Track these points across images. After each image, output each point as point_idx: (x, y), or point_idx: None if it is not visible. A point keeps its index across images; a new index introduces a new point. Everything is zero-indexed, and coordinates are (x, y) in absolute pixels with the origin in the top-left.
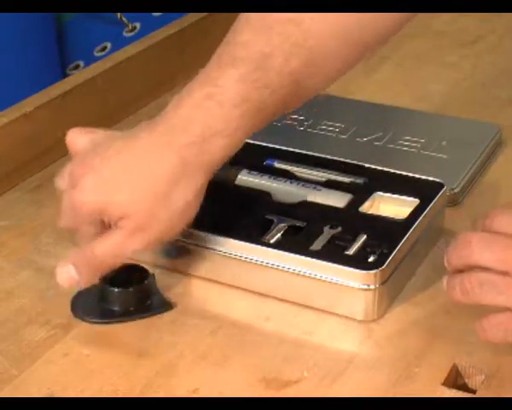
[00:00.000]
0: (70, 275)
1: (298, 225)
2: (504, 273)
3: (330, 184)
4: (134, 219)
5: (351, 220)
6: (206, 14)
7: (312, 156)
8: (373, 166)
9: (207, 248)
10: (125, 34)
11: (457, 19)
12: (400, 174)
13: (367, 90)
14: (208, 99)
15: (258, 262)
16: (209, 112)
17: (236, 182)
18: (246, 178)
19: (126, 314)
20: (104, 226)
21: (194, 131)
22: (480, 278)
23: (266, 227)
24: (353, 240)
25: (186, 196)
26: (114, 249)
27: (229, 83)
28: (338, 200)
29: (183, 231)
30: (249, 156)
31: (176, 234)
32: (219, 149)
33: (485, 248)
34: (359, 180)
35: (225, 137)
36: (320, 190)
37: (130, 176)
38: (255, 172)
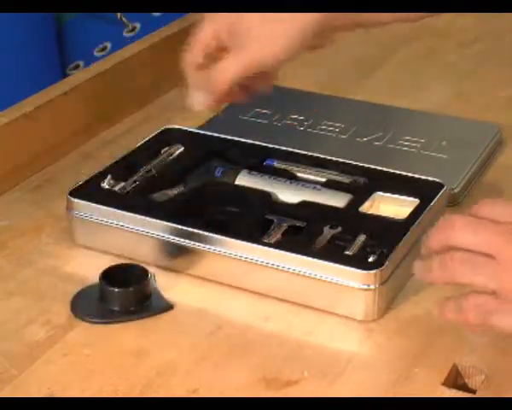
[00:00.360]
0: (199, 99)
1: (298, 225)
2: (485, 256)
3: (330, 184)
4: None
5: (351, 220)
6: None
7: (312, 156)
8: (373, 167)
9: (207, 248)
10: (125, 34)
11: (457, 19)
12: (400, 174)
13: (367, 90)
14: None
15: (259, 262)
16: None
17: (236, 182)
18: (246, 178)
19: (126, 314)
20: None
21: None
22: (461, 257)
23: (266, 227)
24: (353, 240)
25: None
26: (228, 66)
27: None
28: (338, 200)
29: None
30: (249, 156)
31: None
32: None
33: (468, 230)
34: (359, 180)
35: None
36: (320, 190)
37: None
38: (255, 173)
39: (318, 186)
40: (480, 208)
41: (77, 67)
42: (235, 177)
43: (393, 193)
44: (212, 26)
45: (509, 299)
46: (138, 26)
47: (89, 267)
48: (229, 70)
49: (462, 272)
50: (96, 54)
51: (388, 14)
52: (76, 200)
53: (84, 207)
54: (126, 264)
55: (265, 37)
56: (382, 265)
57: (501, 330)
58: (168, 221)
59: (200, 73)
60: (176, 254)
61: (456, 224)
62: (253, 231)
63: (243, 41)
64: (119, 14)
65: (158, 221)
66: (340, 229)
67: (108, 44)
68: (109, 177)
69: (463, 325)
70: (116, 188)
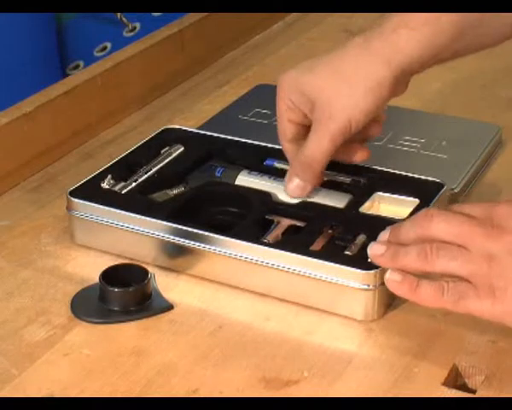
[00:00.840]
0: (297, 185)
1: (298, 225)
2: (460, 246)
3: (330, 185)
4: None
5: (351, 220)
6: (206, 14)
7: None
8: (373, 167)
9: (207, 248)
10: (125, 34)
11: None
12: (400, 174)
13: None
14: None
15: (258, 262)
16: (398, 17)
17: (236, 182)
18: (246, 178)
19: (126, 314)
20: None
21: (385, 25)
22: (438, 246)
23: (266, 227)
24: (353, 240)
25: (366, 82)
26: (318, 145)
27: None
28: (338, 200)
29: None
30: (249, 156)
31: (359, 121)
32: (405, 42)
33: (444, 221)
34: (359, 180)
35: (411, 29)
36: (320, 190)
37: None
38: (255, 173)
39: (318, 186)
40: (461, 206)
41: (77, 67)
42: (235, 177)
43: (393, 193)
44: (287, 97)
45: (480, 286)
46: (138, 26)
47: (89, 267)
48: (318, 151)
49: (437, 259)
50: (95, 54)
51: (465, 44)
52: (76, 200)
53: (83, 207)
54: (126, 264)
55: (346, 107)
56: None
57: (471, 314)
58: (168, 221)
59: (294, 149)
60: (176, 254)
61: (433, 215)
62: (253, 231)
63: (324, 113)
64: (119, 14)
65: (158, 221)
66: (340, 229)
67: (108, 44)
68: (109, 177)
69: (415, 303)
70: (116, 188)
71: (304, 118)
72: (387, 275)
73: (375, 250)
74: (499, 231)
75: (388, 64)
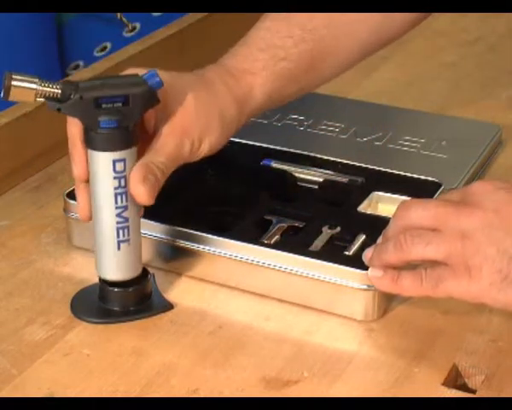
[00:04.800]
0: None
1: (297, 225)
2: (435, 229)
3: (328, 184)
4: None
5: (349, 220)
6: (205, 14)
7: (309, 156)
8: (370, 166)
9: (207, 249)
10: (125, 34)
11: (457, 19)
12: (398, 174)
13: (367, 90)
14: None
15: (258, 263)
16: (237, 54)
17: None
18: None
19: (126, 314)
20: None
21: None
22: (412, 233)
23: (265, 228)
24: (352, 240)
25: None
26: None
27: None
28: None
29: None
30: (247, 156)
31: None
32: (249, 84)
33: (421, 207)
34: (357, 180)
35: (252, 74)
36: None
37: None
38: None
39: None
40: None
41: (77, 67)
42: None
43: (391, 193)
44: None
45: (456, 266)
46: (138, 26)
47: (89, 267)
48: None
49: (413, 246)
50: (95, 54)
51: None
52: (73, 201)
53: None
54: None
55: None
56: None
57: (452, 296)
58: (167, 223)
59: None
60: (174, 256)
61: (410, 204)
62: (252, 232)
63: None
64: (119, 14)
65: (156, 223)
66: (338, 229)
67: (108, 44)
68: None
69: (399, 294)
70: None
71: None
72: (369, 273)
73: (365, 253)
74: (471, 209)
75: (237, 104)
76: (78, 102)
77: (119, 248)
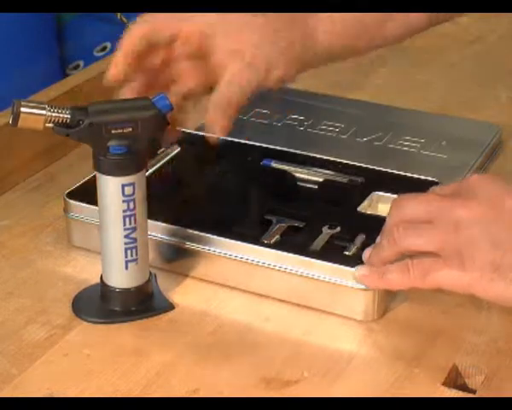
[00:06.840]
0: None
1: (297, 225)
2: (427, 222)
3: (328, 184)
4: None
5: (349, 220)
6: None
7: (309, 156)
8: (370, 166)
9: (207, 249)
10: None
11: (457, 19)
12: (398, 174)
13: (367, 90)
14: None
15: (259, 263)
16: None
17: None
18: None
19: (127, 314)
20: None
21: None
22: (405, 226)
23: (265, 228)
24: (352, 240)
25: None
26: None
27: None
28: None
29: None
30: (247, 156)
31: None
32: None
33: (414, 201)
34: (357, 180)
35: (315, 16)
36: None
37: None
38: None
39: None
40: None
41: (77, 67)
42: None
43: (391, 193)
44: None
45: (448, 256)
46: None
47: (89, 267)
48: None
49: (405, 237)
50: (95, 54)
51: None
52: (73, 201)
53: (81, 209)
54: None
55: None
56: None
57: (441, 287)
58: (167, 223)
59: None
60: (175, 255)
61: (404, 199)
62: (252, 232)
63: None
64: (118, 14)
65: (156, 223)
66: (338, 229)
67: (108, 44)
68: None
69: (386, 288)
70: None
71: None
72: (355, 272)
73: (365, 253)
74: (466, 200)
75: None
76: (88, 129)
77: (126, 267)
